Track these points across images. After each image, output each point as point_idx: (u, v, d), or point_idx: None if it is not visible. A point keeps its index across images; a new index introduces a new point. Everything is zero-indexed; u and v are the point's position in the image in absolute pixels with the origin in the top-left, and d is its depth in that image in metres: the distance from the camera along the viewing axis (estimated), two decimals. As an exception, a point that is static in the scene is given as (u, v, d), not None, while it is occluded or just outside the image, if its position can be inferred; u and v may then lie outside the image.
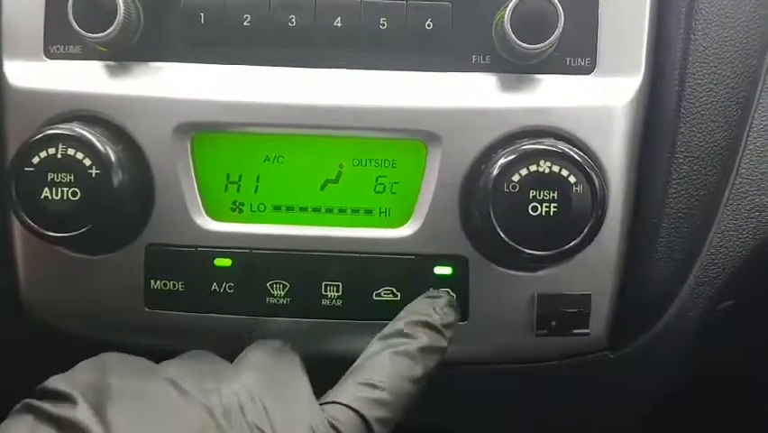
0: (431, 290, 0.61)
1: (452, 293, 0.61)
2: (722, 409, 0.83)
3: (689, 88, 0.63)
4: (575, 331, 0.62)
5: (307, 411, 0.51)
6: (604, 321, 0.63)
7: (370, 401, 0.51)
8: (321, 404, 0.52)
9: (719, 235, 0.66)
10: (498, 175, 0.55)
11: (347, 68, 0.61)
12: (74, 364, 0.53)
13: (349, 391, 0.52)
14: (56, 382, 0.49)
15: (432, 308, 0.58)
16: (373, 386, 0.52)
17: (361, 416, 0.51)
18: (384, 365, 0.54)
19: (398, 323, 0.57)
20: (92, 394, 0.48)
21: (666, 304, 0.66)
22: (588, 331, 0.62)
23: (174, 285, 0.61)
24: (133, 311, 0.62)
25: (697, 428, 0.86)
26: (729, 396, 0.79)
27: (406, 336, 0.56)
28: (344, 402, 0.51)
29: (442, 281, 0.61)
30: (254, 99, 0.60)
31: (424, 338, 0.56)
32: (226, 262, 0.61)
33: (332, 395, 0.52)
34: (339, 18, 0.60)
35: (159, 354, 0.63)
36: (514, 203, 0.55)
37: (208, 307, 0.62)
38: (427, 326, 0.56)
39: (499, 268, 0.61)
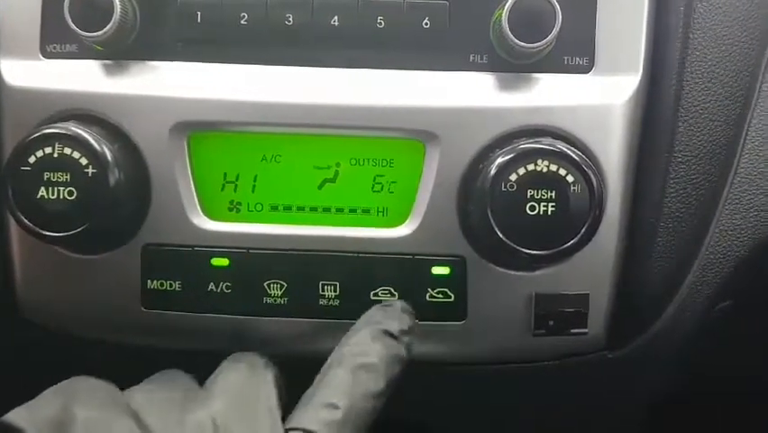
0: (384, 302, 0.60)
1: (405, 303, 0.60)
2: (722, 409, 0.83)
3: (687, 87, 0.63)
4: (573, 331, 0.62)
5: None
6: (602, 321, 0.63)
7: (332, 424, 0.50)
8: (287, 429, 0.50)
9: (718, 235, 0.66)
10: (495, 174, 0.55)
11: (344, 67, 0.60)
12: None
13: (310, 414, 0.51)
14: (14, 415, 0.48)
15: (386, 316, 0.57)
16: (334, 406, 0.51)
17: None
18: (344, 383, 0.52)
19: (354, 335, 0.56)
20: (49, 430, 0.47)
21: (664, 304, 0.66)
22: (586, 331, 0.62)
23: (171, 285, 0.61)
24: (130, 311, 0.62)
25: (696, 428, 0.86)
26: (729, 396, 0.79)
27: (364, 348, 0.54)
28: (307, 428, 0.50)
29: (439, 281, 0.61)
30: (251, 98, 0.60)
31: (382, 349, 0.54)
32: (223, 261, 0.61)
33: (294, 419, 0.51)
34: (336, 17, 0.60)
35: (155, 354, 0.63)
36: (511, 202, 0.55)
37: (205, 307, 0.62)
38: (384, 334, 0.55)
39: (497, 268, 0.61)
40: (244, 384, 0.55)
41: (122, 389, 0.53)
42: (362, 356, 0.54)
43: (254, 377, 0.55)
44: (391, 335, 0.56)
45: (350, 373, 0.53)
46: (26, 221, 0.55)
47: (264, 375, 0.56)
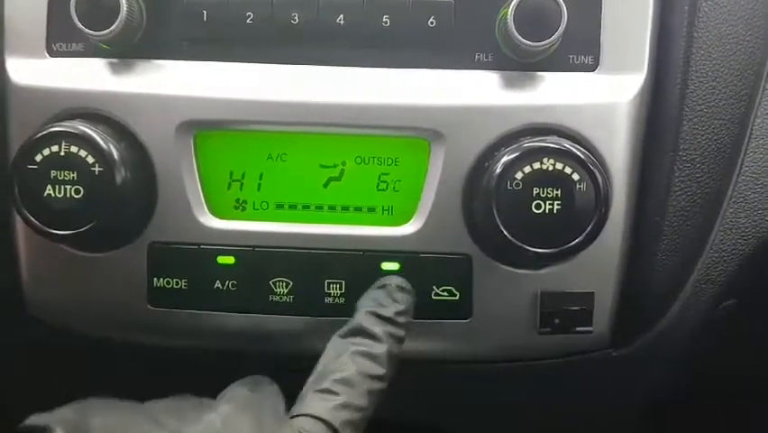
0: (381, 279, 0.60)
1: (401, 279, 0.60)
2: (724, 409, 0.83)
3: (692, 86, 0.63)
4: (578, 329, 0.62)
5: (279, 429, 0.51)
6: (607, 319, 0.63)
7: (337, 408, 0.51)
8: (291, 417, 0.52)
9: (722, 233, 0.66)
10: (501, 173, 0.55)
11: (350, 65, 0.60)
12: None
13: (314, 400, 0.52)
14: (35, 418, 0.49)
15: (383, 298, 0.58)
16: (337, 392, 0.52)
17: (330, 424, 0.51)
18: (346, 367, 0.54)
19: (354, 319, 0.57)
20: (72, 428, 0.47)
21: (669, 302, 0.66)
22: (591, 329, 0.62)
23: (177, 283, 0.61)
24: (136, 309, 0.62)
25: (699, 427, 0.87)
26: (731, 395, 0.79)
27: (364, 333, 0.56)
28: (311, 413, 0.51)
29: (445, 279, 0.61)
30: (257, 97, 0.60)
31: (380, 332, 0.56)
32: (229, 259, 0.61)
33: (298, 407, 0.52)
34: (342, 15, 0.60)
35: (161, 353, 0.63)
36: (517, 201, 0.55)
37: (211, 305, 0.62)
38: (381, 318, 0.56)
39: (503, 266, 0.61)
40: (250, 394, 0.55)
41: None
42: (362, 342, 0.55)
43: (259, 390, 0.56)
44: (387, 318, 0.56)
45: (351, 357, 0.54)
46: (33, 219, 0.56)
47: (269, 387, 0.57)
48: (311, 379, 0.54)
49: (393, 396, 0.65)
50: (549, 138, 0.57)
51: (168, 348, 0.63)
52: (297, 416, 0.51)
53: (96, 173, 0.55)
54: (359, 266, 0.61)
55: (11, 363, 0.71)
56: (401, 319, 0.57)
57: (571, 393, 0.70)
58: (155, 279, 0.61)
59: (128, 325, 0.63)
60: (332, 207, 0.62)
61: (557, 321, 0.62)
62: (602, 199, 0.55)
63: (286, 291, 0.61)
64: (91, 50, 0.61)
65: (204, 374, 0.66)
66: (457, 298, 0.61)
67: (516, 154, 0.56)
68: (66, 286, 0.63)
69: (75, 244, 0.60)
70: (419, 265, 0.61)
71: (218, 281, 0.61)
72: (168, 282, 0.61)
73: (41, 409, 0.48)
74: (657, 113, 0.62)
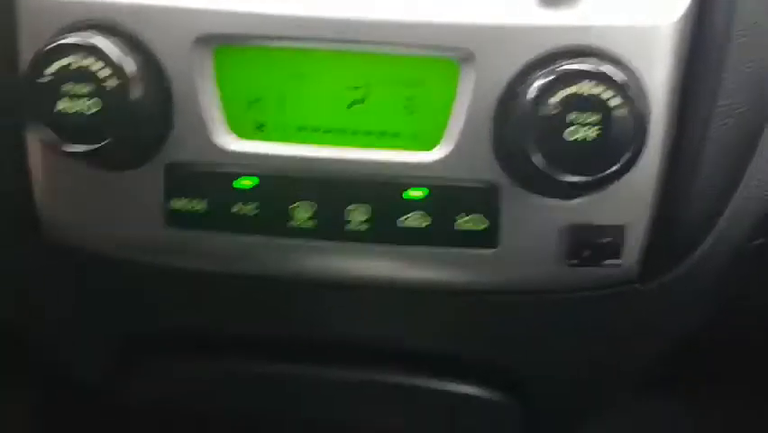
0: None
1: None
2: (757, 343, 0.82)
3: (740, 9, 0.60)
4: (607, 262, 0.60)
5: None
6: (636, 253, 0.61)
7: None
8: None
9: (759, 168, 0.64)
10: (534, 97, 0.53)
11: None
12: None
13: None
14: None
15: None
16: None
17: None
18: None
19: None
20: None
21: (702, 236, 0.64)
22: (620, 262, 0.61)
23: (194, 205, 0.59)
24: (154, 230, 0.60)
25: (732, 362, 0.87)
26: (761, 332, 0.79)
27: None
28: None
29: (471, 207, 0.59)
30: (279, 11, 0.56)
31: None
32: (248, 182, 0.59)
33: None
34: (370, -76, 0.56)
35: (178, 274, 0.63)
36: (550, 127, 0.53)
37: (229, 227, 0.60)
38: None
39: (532, 195, 0.59)
40: None
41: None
42: None
43: None
44: None
45: None
46: (45, 135, 0.54)
47: None
48: None
49: (419, 326, 0.64)
50: (586, 60, 0.54)
51: (186, 270, 0.62)
52: None
53: (110, 88, 0.53)
54: (383, 192, 0.59)
55: (28, 285, 0.71)
56: None
57: (597, 327, 0.69)
58: (172, 200, 0.59)
59: (145, 245, 0.62)
60: (355, 131, 0.59)
61: (586, 253, 0.60)
62: (641, 127, 0.53)
63: (307, 216, 0.59)
64: None
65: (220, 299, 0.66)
66: (484, 227, 0.59)
67: (552, 77, 0.53)
68: (81, 206, 0.61)
69: (89, 161, 0.59)
70: (445, 192, 0.58)
71: (237, 204, 0.59)
72: (185, 204, 0.59)
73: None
74: (702, 36, 0.59)
